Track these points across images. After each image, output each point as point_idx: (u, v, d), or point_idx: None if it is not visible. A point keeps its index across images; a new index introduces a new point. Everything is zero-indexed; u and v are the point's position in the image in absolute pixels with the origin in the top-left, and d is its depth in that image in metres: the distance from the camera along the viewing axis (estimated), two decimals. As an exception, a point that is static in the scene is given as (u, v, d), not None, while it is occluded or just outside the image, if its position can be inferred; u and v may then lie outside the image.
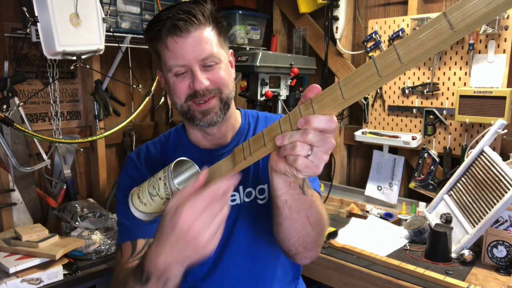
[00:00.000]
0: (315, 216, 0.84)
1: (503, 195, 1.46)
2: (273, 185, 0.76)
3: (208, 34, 0.91)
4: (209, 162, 0.95)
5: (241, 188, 1.01)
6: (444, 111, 1.88)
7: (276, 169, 0.69)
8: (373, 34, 2.07)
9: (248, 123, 1.08)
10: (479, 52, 1.77)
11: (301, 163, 0.63)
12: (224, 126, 1.02)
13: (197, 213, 0.64)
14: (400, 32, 1.97)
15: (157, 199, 0.73)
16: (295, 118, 0.62)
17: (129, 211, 0.80)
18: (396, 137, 2.00)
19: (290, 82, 2.12)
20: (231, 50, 1.03)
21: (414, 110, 1.99)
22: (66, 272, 1.51)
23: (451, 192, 1.75)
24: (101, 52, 1.64)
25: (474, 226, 1.54)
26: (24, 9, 1.45)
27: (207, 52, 0.90)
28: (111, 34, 1.75)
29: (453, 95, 1.85)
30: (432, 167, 1.91)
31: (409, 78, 1.99)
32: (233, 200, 1.01)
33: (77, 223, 1.69)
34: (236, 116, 1.07)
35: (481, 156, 1.66)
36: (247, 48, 2.33)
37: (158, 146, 1.08)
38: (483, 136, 1.68)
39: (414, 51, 0.48)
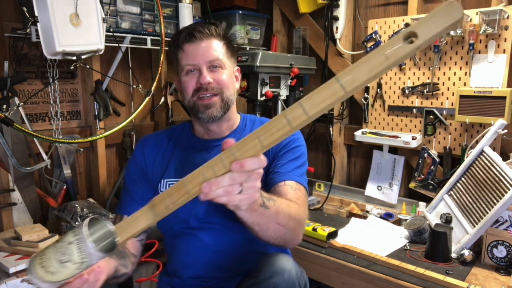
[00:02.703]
0: (283, 218, 0.90)
1: (503, 195, 1.46)
2: (238, 216, 0.80)
3: (217, 45, 1.12)
4: (204, 149, 1.18)
5: None
6: (444, 111, 1.89)
7: (229, 208, 0.72)
8: (373, 34, 2.07)
9: (245, 124, 1.24)
10: (479, 52, 1.77)
11: (236, 200, 0.67)
12: (224, 125, 1.19)
13: None
14: (400, 32, 1.97)
15: (69, 264, 0.69)
16: (218, 165, 0.65)
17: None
18: (396, 137, 2.00)
19: (290, 82, 2.12)
20: (238, 67, 1.22)
21: (414, 110, 1.99)
22: (66, 272, 1.51)
23: (451, 192, 1.75)
24: (101, 52, 1.64)
25: (474, 226, 1.54)
26: (24, 9, 1.45)
27: (214, 56, 1.10)
28: (111, 34, 1.75)
29: (453, 95, 1.85)
30: (432, 167, 1.91)
31: (409, 78, 1.99)
32: None
33: (77, 223, 1.69)
34: (235, 119, 1.23)
35: (481, 156, 1.66)
36: (247, 48, 2.33)
37: (166, 133, 1.26)
38: (483, 136, 1.68)
39: (316, 106, 0.60)
